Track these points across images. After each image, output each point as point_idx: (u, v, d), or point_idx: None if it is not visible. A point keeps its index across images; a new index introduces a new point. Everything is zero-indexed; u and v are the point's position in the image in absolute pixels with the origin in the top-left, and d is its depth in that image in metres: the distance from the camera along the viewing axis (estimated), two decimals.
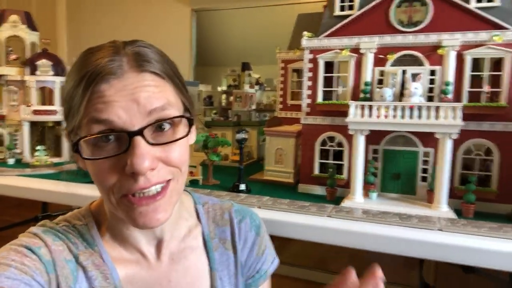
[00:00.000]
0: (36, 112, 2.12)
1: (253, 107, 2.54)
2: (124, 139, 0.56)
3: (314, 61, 1.48)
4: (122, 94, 0.56)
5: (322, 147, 1.48)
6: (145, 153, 0.55)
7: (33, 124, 2.18)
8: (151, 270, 0.69)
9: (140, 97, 0.56)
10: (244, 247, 0.79)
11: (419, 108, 1.22)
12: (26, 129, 2.14)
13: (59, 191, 1.57)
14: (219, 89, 3.03)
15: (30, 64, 2.14)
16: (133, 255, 0.68)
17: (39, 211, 3.05)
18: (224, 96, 2.88)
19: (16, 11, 2.22)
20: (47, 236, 0.62)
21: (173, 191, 0.61)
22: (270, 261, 0.85)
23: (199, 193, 0.84)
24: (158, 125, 0.58)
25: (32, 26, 2.26)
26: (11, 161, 2.09)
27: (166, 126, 0.59)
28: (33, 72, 2.13)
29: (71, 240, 0.64)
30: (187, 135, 0.62)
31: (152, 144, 0.57)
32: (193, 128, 0.71)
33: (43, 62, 2.12)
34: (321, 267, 2.68)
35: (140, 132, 0.56)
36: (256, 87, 2.84)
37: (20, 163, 2.08)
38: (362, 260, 1.18)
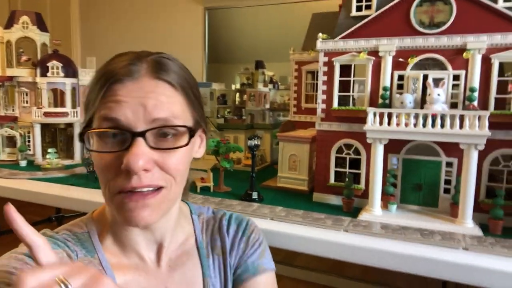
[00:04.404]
0: (47, 114, 2.11)
1: (267, 106, 2.49)
2: (128, 138, 0.59)
3: (329, 64, 1.41)
4: (132, 96, 0.59)
5: (338, 155, 1.42)
6: (141, 153, 0.58)
7: (45, 126, 2.17)
8: (149, 276, 0.69)
9: (148, 103, 0.59)
10: (231, 249, 0.80)
11: (442, 116, 1.14)
12: (37, 131, 2.14)
13: (69, 197, 1.55)
14: (233, 87, 2.98)
15: (41, 66, 2.12)
16: (132, 261, 0.69)
17: (53, 210, 3.07)
18: (237, 95, 2.84)
19: (27, 12, 2.20)
20: None
21: (164, 199, 0.63)
22: (264, 258, 0.80)
23: (197, 204, 0.86)
24: (161, 132, 0.61)
25: (42, 27, 2.24)
26: (23, 163, 2.09)
27: (169, 134, 0.62)
28: (44, 74, 2.11)
29: (70, 248, 0.65)
30: (186, 144, 0.63)
31: (153, 148, 0.60)
32: (202, 143, 0.74)
33: (53, 64, 2.11)
34: (337, 271, 2.62)
35: (142, 134, 0.59)
36: (270, 85, 2.78)
37: (32, 165, 2.08)
38: None
